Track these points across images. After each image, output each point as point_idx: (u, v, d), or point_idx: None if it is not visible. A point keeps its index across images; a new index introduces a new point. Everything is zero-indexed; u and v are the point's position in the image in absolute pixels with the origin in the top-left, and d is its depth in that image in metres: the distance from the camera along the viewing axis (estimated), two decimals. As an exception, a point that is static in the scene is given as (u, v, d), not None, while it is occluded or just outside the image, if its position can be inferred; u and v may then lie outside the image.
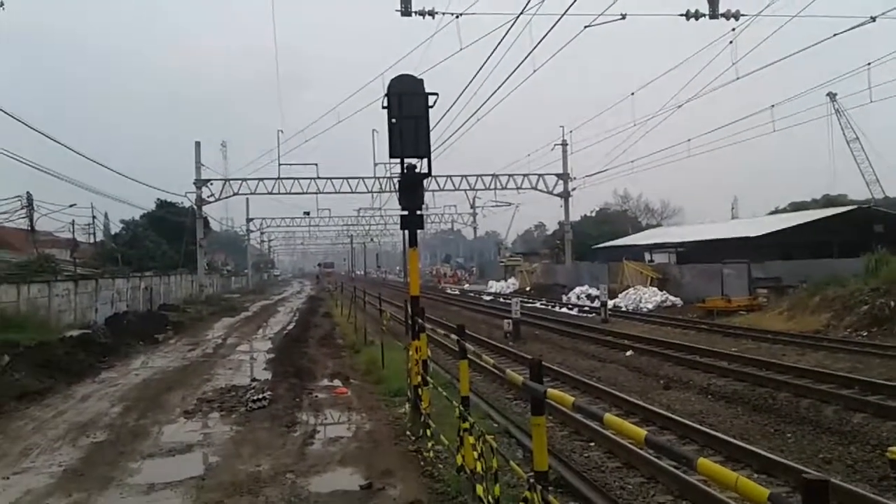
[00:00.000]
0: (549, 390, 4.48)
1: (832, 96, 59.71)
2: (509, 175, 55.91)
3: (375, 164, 46.31)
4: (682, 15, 19.69)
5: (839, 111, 69.34)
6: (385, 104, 10.77)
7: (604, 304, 32.68)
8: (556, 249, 69.15)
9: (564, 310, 39.88)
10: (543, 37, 18.10)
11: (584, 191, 67.69)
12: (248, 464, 9.03)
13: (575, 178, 54.82)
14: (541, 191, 55.79)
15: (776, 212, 71.10)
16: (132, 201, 55.07)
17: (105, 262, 45.29)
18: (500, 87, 21.87)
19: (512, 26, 17.65)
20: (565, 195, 55.23)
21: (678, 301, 37.99)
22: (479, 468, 6.17)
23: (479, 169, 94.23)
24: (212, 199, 52.58)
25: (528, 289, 58.65)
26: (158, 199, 59.24)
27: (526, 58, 19.96)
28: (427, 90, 10.91)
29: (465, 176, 56.20)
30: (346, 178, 54.54)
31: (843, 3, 20.68)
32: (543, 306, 42.49)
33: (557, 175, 54.89)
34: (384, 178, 49.79)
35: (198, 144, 51.76)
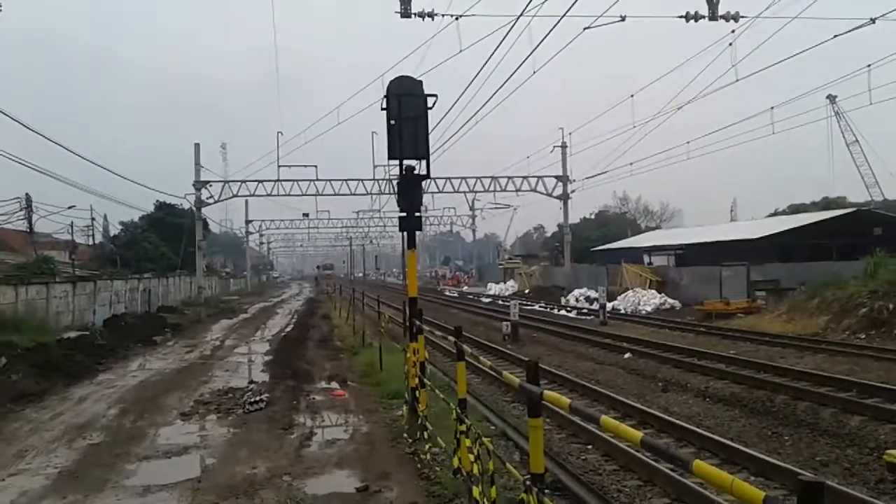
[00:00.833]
0: (546, 392, 4.47)
1: (832, 98, 59.84)
2: (508, 177, 55.97)
3: (375, 166, 46.35)
4: (681, 17, 19.71)
5: (839, 113, 69.57)
6: (384, 105, 10.77)
7: (602, 307, 32.69)
8: (555, 252, 69.24)
9: (563, 312, 39.87)
10: (543, 38, 18.11)
11: (584, 193, 67.74)
12: (245, 466, 9.01)
13: (574, 181, 54.88)
14: (540, 193, 55.81)
15: (775, 214, 71.19)
16: (131, 203, 55.19)
17: (103, 263, 45.33)
18: (499, 88, 21.91)
19: (511, 28, 17.67)
20: (564, 197, 55.23)
21: (677, 304, 38.02)
22: (475, 470, 6.16)
23: (478, 171, 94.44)
24: (211, 200, 52.58)
25: (526, 291, 58.67)
26: (157, 200, 59.35)
27: (525, 59, 19.96)
28: (426, 92, 10.91)
29: (465, 178, 56.27)
30: (346, 180, 54.62)
31: (842, 4, 20.68)
32: (542, 309, 42.48)
33: (557, 177, 54.92)
34: (383, 180, 49.87)
35: (197, 146, 51.78)
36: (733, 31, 21.00)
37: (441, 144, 27.76)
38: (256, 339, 26.57)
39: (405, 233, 11.39)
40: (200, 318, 37.51)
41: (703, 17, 19.44)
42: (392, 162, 11.12)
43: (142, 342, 24.62)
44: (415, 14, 19.85)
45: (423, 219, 15.72)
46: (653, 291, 40.50)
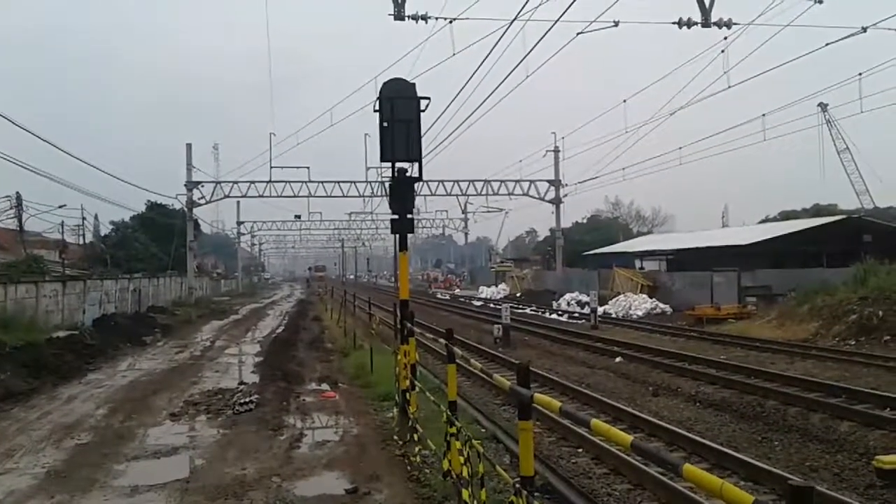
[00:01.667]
0: (537, 395, 4.46)
1: (823, 106, 60.07)
2: (501, 181, 55.98)
3: (367, 168, 46.35)
4: (674, 23, 19.73)
5: (830, 121, 69.76)
6: (377, 107, 10.76)
7: (594, 311, 32.71)
8: (547, 255, 69.33)
9: (554, 316, 39.90)
10: (536, 43, 18.11)
11: (576, 197, 68.09)
12: (234, 467, 8.97)
13: (566, 185, 54.96)
14: (532, 197, 55.88)
15: (766, 220, 71.50)
16: (122, 203, 54.95)
17: (94, 263, 45.11)
18: (492, 92, 21.84)
19: (505, 32, 17.67)
20: (557, 202, 55.32)
21: (668, 308, 38.10)
22: (465, 473, 6.14)
23: (470, 174, 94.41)
24: (203, 201, 52.44)
25: (518, 294, 58.70)
26: (149, 200, 59.12)
27: (519, 63, 19.98)
28: (419, 94, 10.91)
29: (457, 181, 56.23)
30: (338, 182, 54.47)
31: (835, 13, 20.78)
32: (533, 312, 42.50)
33: (549, 181, 54.99)
34: (376, 182, 49.78)
35: (189, 146, 51.66)
36: (726, 38, 21.09)
37: (434, 147, 27.76)
38: (247, 341, 26.49)
39: (397, 235, 11.40)
40: (191, 319, 37.38)
41: (697, 23, 19.46)
42: (384, 164, 11.12)
43: (131, 342, 24.52)
44: (408, 17, 19.81)
45: (416, 221, 15.72)
46: (644, 296, 40.59)
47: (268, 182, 50.95)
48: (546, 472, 8.91)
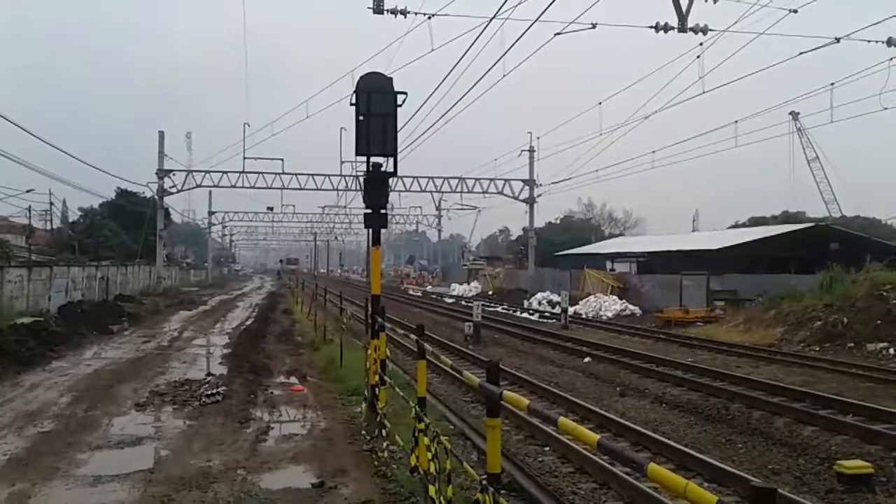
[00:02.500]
0: (506, 392, 4.47)
1: (794, 115, 60.90)
2: (476, 179, 56.10)
3: (342, 162, 46.03)
4: (651, 27, 19.87)
5: (801, 130, 70.79)
6: (353, 101, 10.71)
7: (564, 311, 32.87)
8: (519, 255, 69.55)
9: (526, 315, 40.06)
10: (514, 42, 18.19)
11: (549, 198, 68.22)
12: (199, 459, 8.89)
13: (541, 185, 55.19)
14: (507, 196, 56.05)
15: (736, 226, 72.19)
16: (92, 189, 54.14)
17: (61, 249, 44.44)
18: (470, 89, 21.88)
19: (484, 29, 17.70)
20: (531, 201, 55.53)
21: (637, 310, 38.41)
22: (432, 469, 6.14)
23: (445, 171, 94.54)
24: (174, 189, 51.92)
25: (490, 293, 58.85)
26: (119, 187, 58.35)
27: (497, 62, 20.04)
28: (396, 89, 10.87)
29: (432, 177, 56.27)
30: (312, 175, 54.19)
31: (809, 23, 21.07)
32: (505, 311, 42.64)
33: (523, 181, 55.18)
34: (350, 176, 49.55)
35: (161, 134, 51.09)
36: (702, 44, 21.32)
37: (410, 143, 27.75)
38: (215, 332, 26.27)
39: (370, 229, 11.35)
40: (159, 309, 36.98)
41: (673, 28, 19.60)
42: (359, 158, 11.07)
43: (98, 330, 24.21)
44: (387, 11, 19.76)
45: (389, 217, 15.69)
46: (614, 297, 40.88)
47: (241, 173, 50.56)
48: (513, 469, 8.94)
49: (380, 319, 10.04)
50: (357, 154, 10.85)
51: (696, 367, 18.35)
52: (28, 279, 27.73)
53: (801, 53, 21.51)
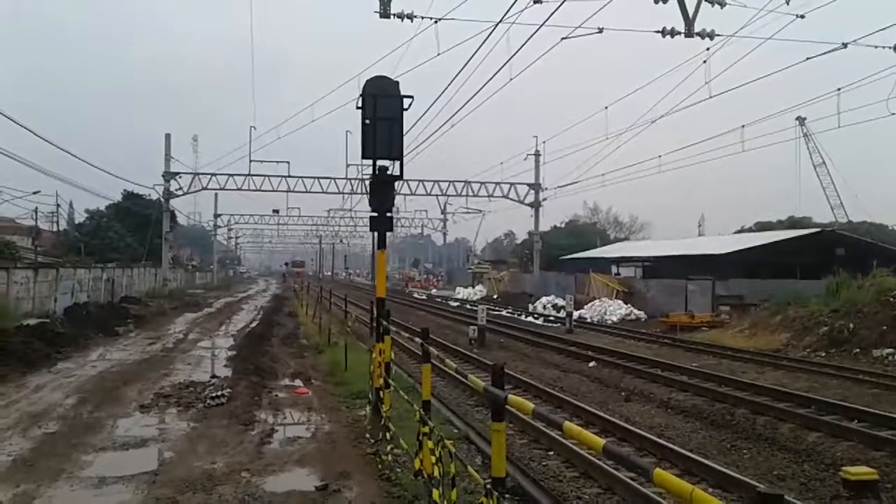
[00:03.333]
0: (510, 396, 4.46)
1: (801, 120, 60.79)
2: (481, 182, 56.11)
3: (347, 165, 46.13)
4: (658, 32, 19.82)
5: (807, 135, 70.59)
6: (360, 104, 10.72)
7: (569, 315, 32.82)
8: (524, 258, 69.48)
9: (530, 319, 40.02)
10: (521, 47, 18.18)
11: (555, 201, 68.20)
12: (203, 461, 8.90)
13: (546, 189, 55.15)
14: (512, 199, 56.03)
15: (742, 231, 72.10)
16: (98, 191, 54.27)
17: (67, 251, 44.59)
18: (476, 93, 21.87)
19: (490, 34, 17.70)
20: (536, 205, 55.50)
21: (642, 315, 38.34)
22: (436, 473, 6.13)
23: (450, 174, 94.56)
24: (180, 192, 52.03)
25: (495, 296, 58.80)
26: (125, 189, 58.51)
27: (503, 66, 20.02)
28: (403, 93, 10.88)
29: (437, 181, 56.29)
30: (318, 178, 54.31)
31: (816, 28, 21.02)
32: (510, 314, 42.59)
33: (529, 185, 55.16)
34: (356, 179, 49.63)
35: (167, 136, 51.28)
36: (708, 49, 21.24)
37: (416, 147, 27.77)
38: (220, 334, 26.29)
39: (375, 233, 11.36)
40: (164, 311, 37.02)
41: (680, 33, 19.54)
42: (365, 161, 11.09)
43: (103, 332, 24.24)
44: (394, 15, 19.75)
45: (395, 220, 15.70)
46: (619, 302, 40.81)
47: (246, 175, 50.67)
48: (517, 473, 8.93)
49: (385, 322, 10.05)
50: (363, 157, 10.86)
51: (701, 372, 18.30)
52: (34, 280, 27.83)
53: (808, 58, 21.44)
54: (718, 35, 19.82)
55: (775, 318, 26.83)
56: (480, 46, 18.07)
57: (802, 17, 18.78)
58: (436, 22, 19.97)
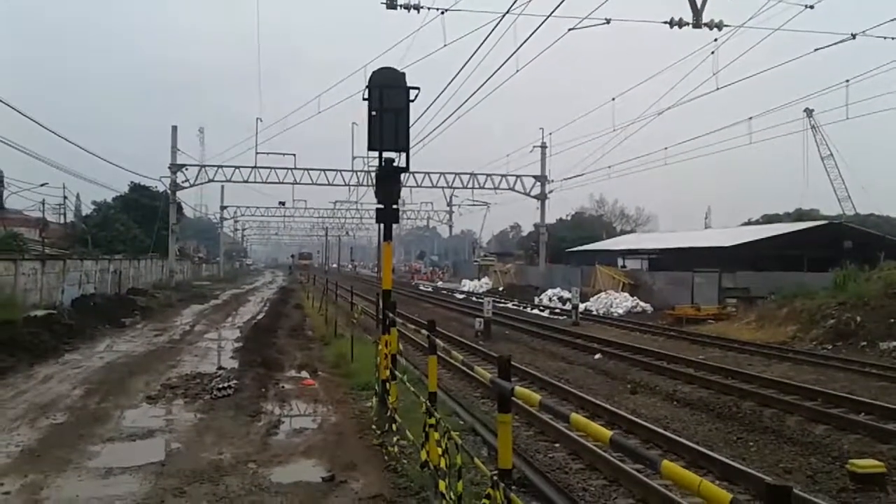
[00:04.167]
0: (517, 388, 4.46)
1: (809, 112, 60.47)
2: (487, 175, 55.98)
3: (354, 158, 46.17)
4: (665, 22, 19.74)
5: (815, 127, 70.32)
6: (366, 96, 10.71)
7: (575, 307, 32.79)
8: (530, 251, 69.45)
9: (536, 311, 40.00)
10: (528, 38, 18.11)
11: (561, 194, 67.98)
12: (210, 452, 8.93)
13: (552, 181, 55.03)
14: (518, 192, 55.92)
15: (749, 223, 71.89)
16: (105, 183, 54.32)
17: (74, 243, 44.63)
18: (482, 85, 21.82)
19: (497, 25, 17.64)
20: (542, 197, 55.39)
21: (648, 307, 38.31)
22: (443, 464, 6.15)
23: (456, 166, 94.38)
24: (186, 184, 52.06)
25: (501, 289, 58.77)
26: (132, 182, 58.53)
27: (510, 58, 19.96)
28: (409, 84, 10.87)
29: (443, 173, 56.18)
30: (324, 170, 54.21)
31: (824, 19, 20.90)
32: (515, 307, 42.58)
33: (535, 177, 55.04)
34: (362, 171, 49.61)
35: (174, 128, 51.26)
36: (716, 40, 21.15)
37: (422, 139, 27.71)
38: (227, 326, 26.36)
39: (381, 224, 11.36)
40: (171, 302, 37.13)
41: (688, 23, 19.46)
42: (371, 153, 11.08)
43: (110, 324, 24.34)
44: (401, 6, 19.72)
45: (401, 212, 15.74)
46: (625, 294, 40.78)
47: (253, 168, 50.69)
48: (523, 465, 8.93)
49: (391, 314, 10.05)
50: (369, 148, 10.87)
51: (708, 364, 18.29)
52: (42, 272, 27.91)
53: (816, 49, 21.35)
54: (727, 26, 19.74)
55: (782, 311, 26.76)
56: (487, 38, 18.02)
57: (811, 7, 18.68)
58: (442, 13, 19.94)
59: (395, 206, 11.07)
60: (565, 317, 34.50)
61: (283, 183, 53.73)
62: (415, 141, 20.01)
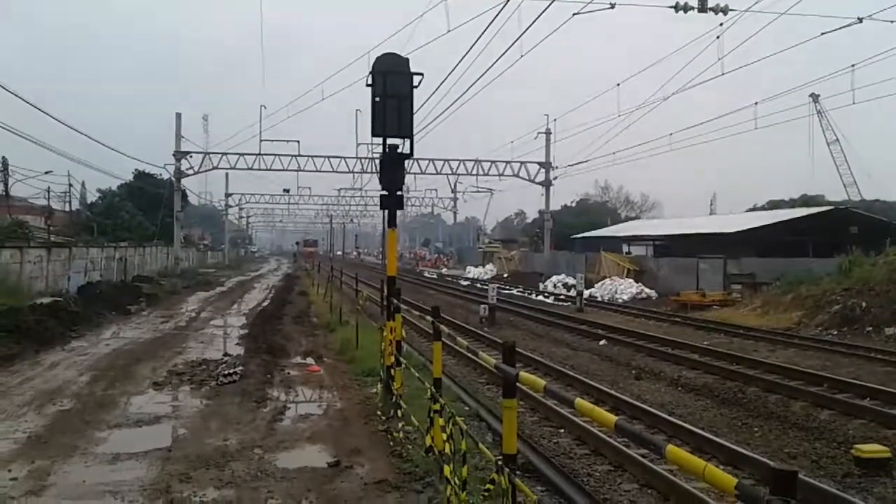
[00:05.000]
0: (522, 373, 4.46)
1: (815, 97, 60.09)
2: (492, 161, 55.76)
3: (358, 144, 46.02)
4: (671, 7, 19.64)
5: (821, 112, 69.88)
6: (369, 82, 10.67)
7: (580, 294, 32.79)
8: (535, 237, 69.33)
9: (541, 298, 40.01)
10: (532, 23, 18.02)
11: (565, 180, 67.91)
12: (216, 437, 8.96)
13: (557, 168, 54.84)
14: (522, 178, 55.71)
15: (754, 209, 71.71)
16: (110, 171, 54.38)
17: (80, 230, 44.75)
18: (486, 71, 21.74)
19: (501, 10, 17.55)
20: (547, 184, 55.22)
21: (653, 293, 38.29)
22: (447, 450, 6.16)
23: (461, 152, 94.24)
24: (191, 171, 51.97)
25: (505, 275, 58.76)
26: (136, 169, 58.56)
27: (514, 43, 19.88)
28: (413, 70, 10.82)
29: (448, 160, 55.98)
30: (328, 157, 54.09)
31: (831, 3, 20.77)
32: (520, 293, 42.59)
33: (539, 163, 54.83)
34: (366, 158, 49.48)
35: (178, 116, 51.14)
36: (721, 24, 21.03)
37: (426, 125, 27.65)
38: (232, 313, 26.43)
39: (386, 211, 11.35)
40: (176, 290, 37.21)
41: (693, 8, 19.37)
42: (376, 140, 11.05)
43: (116, 311, 24.40)
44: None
45: (405, 199, 15.71)
46: (630, 280, 40.74)
47: (257, 155, 50.56)
48: (527, 450, 8.96)
49: (395, 301, 10.06)
50: (373, 135, 10.84)
51: (713, 350, 18.28)
52: (47, 260, 27.99)
53: (822, 34, 21.20)
54: (732, 10, 19.64)
55: (787, 297, 26.73)
56: (491, 23, 17.92)
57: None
58: (446, -1, 19.83)
59: (399, 193, 11.05)
60: (570, 303, 34.51)
61: (287, 170, 53.68)
62: (419, 127, 19.95)
